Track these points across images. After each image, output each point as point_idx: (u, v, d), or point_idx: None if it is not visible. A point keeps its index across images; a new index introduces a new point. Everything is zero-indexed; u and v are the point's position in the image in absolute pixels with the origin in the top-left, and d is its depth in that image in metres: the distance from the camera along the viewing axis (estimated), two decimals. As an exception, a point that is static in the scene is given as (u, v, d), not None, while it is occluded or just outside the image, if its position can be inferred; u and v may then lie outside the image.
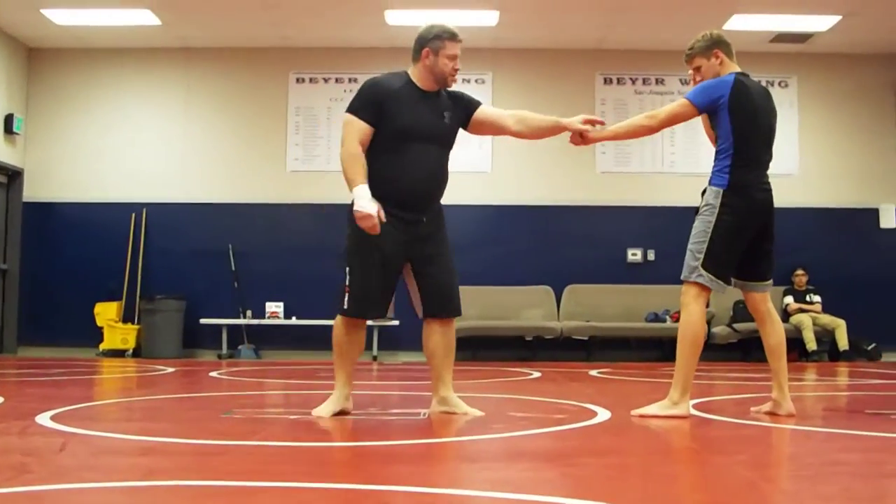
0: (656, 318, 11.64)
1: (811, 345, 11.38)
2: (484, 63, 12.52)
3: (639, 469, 3.56)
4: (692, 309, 4.90)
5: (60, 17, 11.33)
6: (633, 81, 12.51)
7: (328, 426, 4.56)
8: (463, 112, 5.19)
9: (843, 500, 2.87)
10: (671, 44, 12.22)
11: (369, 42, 12.26)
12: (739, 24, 11.25)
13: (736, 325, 11.72)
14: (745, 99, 4.96)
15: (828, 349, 11.66)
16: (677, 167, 12.42)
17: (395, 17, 11.29)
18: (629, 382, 7.81)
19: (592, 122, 5.14)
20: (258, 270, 12.17)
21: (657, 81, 12.53)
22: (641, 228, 12.42)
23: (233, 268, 12.16)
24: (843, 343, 11.47)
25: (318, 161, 12.43)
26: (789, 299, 11.88)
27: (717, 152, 5.00)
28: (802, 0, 10.77)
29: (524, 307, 12.09)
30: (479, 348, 11.77)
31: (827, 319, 11.64)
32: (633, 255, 12.36)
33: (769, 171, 5.00)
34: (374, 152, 4.82)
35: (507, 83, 12.61)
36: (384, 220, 4.67)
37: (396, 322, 11.76)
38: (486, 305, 12.01)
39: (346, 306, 4.88)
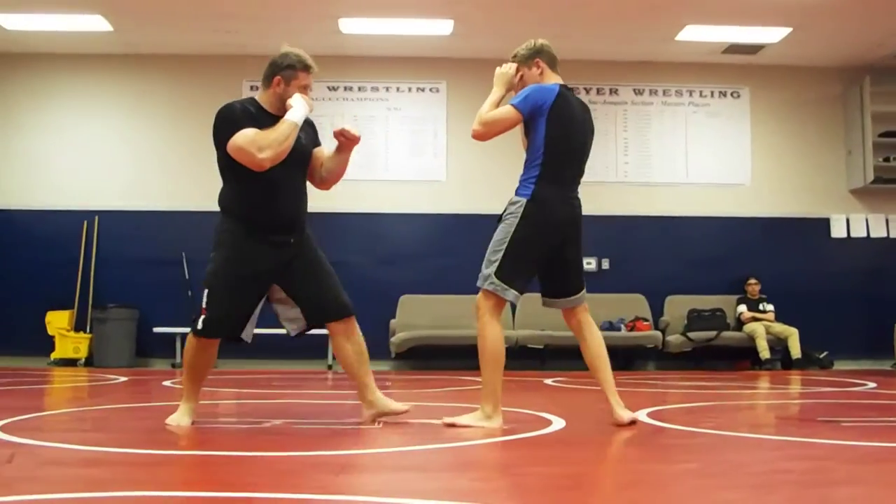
0: (611, 326, 11.68)
1: (764, 353, 11.48)
2: (438, 72, 12.55)
3: (590, 479, 3.57)
4: (489, 325, 4.86)
5: (11, 21, 11.19)
6: (587, 91, 12.55)
7: (278, 436, 4.53)
8: (313, 136, 5.30)
9: (791, 508, 2.89)
10: (624, 54, 12.35)
11: (323, 50, 12.17)
12: (692, 34, 11.36)
13: (690, 334, 11.78)
14: (565, 111, 4.94)
15: (780, 358, 11.78)
16: (630, 177, 12.48)
17: (349, 26, 11.28)
18: (584, 391, 7.83)
19: (343, 134, 5.22)
20: (212, 279, 12.07)
21: (611, 91, 12.59)
22: (595, 238, 12.37)
23: (186, 276, 12.07)
24: (795, 351, 11.58)
25: (272, 169, 12.35)
26: (742, 308, 11.97)
27: (525, 161, 5.00)
28: (753, 12, 10.86)
29: (478, 316, 12.06)
30: (432, 357, 11.77)
31: (779, 328, 11.74)
32: (588, 264, 12.39)
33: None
34: (239, 178, 4.84)
35: (461, 92, 12.62)
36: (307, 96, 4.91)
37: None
38: (439, 315, 12.01)
39: (200, 327, 4.89)
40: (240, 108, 4.85)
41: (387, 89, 12.59)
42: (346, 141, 5.16)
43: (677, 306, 12.14)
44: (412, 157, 12.53)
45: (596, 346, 5.02)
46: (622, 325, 11.76)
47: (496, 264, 4.79)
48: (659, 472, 3.63)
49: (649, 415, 5.42)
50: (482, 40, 11.88)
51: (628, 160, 12.51)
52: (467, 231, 12.25)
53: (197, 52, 12.36)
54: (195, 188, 12.32)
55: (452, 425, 4.76)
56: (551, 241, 4.89)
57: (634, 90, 12.63)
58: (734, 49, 11.94)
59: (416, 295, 12.21)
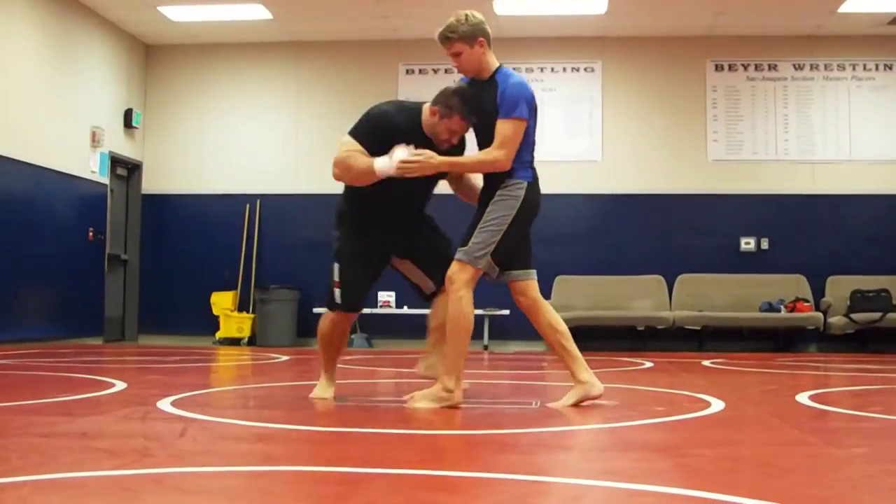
0: (770, 307, 11.45)
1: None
2: (592, 51, 12.46)
3: (754, 461, 3.52)
4: (466, 298, 4.82)
5: (176, 13, 11.62)
6: (745, 68, 12.31)
7: (436, 415, 4.59)
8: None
9: (968, 495, 2.80)
10: (782, 29, 12.04)
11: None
12: (855, 6, 11.02)
13: (853, 316, 11.45)
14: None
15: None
16: (791, 154, 12.18)
17: (504, 7, 11.30)
18: (743, 373, 7.69)
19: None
20: (370, 260, 12.27)
21: (769, 67, 12.30)
22: (754, 217, 12.22)
23: (345, 258, 12.28)
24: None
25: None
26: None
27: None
28: (922, -20, 10.49)
29: (635, 297, 12.00)
30: (590, 338, 11.70)
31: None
32: (747, 244, 12.16)
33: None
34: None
35: (616, 72, 12.51)
36: (411, 145, 4.74)
37: (507, 311, 11.77)
38: (596, 295, 11.97)
39: (338, 300, 5.10)
40: (392, 121, 4.86)
41: (541, 70, 12.56)
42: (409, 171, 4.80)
43: (840, 287, 11.81)
44: (567, 137, 12.48)
45: (553, 321, 5.19)
46: (782, 306, 11.50)
47: (493, 245, 4.77)
48: (826, 456, 3.55)
49: (812, 398, 5.30)
50: (637, 19, 11.76)
51: (788, 137, 12.21)
52: (624, 211, 12.17)
53: (354, 38, 12.57)
54: (317, 173, 12.55)
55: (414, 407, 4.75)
56: (532, 221, 4.96)
57: (794, 65, 12.30)
58: (901, 20, 11.54)
59: (571, 275, 12.18)
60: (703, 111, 12.22)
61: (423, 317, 12.30)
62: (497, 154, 4.69)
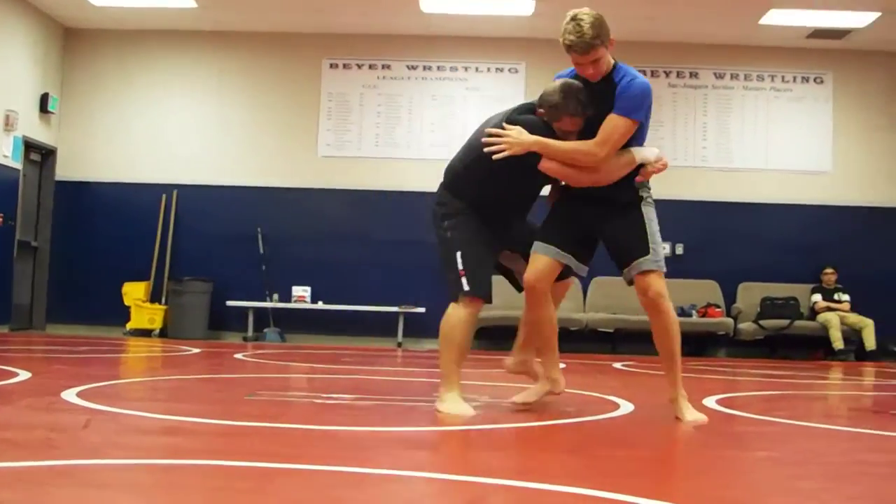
0: (683, 312, 11.59)
1: (838, 344, 11.31)
2: (518, 53, 12.51)
3: (660, 463, 3.56)
4: (671, 306, 4.65)
5: (99, -3, 11.42)
6: (667, 74, 12.45)
7: (349, 411, 4.57)
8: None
9: (871, 501, 2.86)
10: (707, 37, 12.21)
11: (404, 29, 12.27)
12: (777, 18, 11.18)
13: (763, 322, 11.65)
14: None
15: (854, 349, 11.57)
16: (709, 161, 12.34)
17: (431, 5, 11.28)
18: (653, 376, 7.77)
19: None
20: (286, 254, 12.21)
21: (691, 75, 12.46)
22: (670, 222, 12.24)
23: (261, 251, 12.20)
24: (869, 343, 11.39)
25: (349, 147, 12.45)
26: (817, 297, 11.80)
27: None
28: (840, -4, 10.69)
29: (551, 298, 12.05)
30: (503, 338, 11.74)
31: (854, 319, 11.56)
32: (662, 248, 12.28)
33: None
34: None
35: (540, 73, 12.54)
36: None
37: (423, 309, 11.80)
38: (511, 295, 11.95)
39: (467, 288, 4.69)
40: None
41: (466, 69, 12.58)
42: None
43: (750, 294, 12.00)
44: (488, 137, 12.47)
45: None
46: (694, 311, 11.66)
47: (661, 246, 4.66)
48: (732, 459, 3.61)
49: (719, 402, 5.38)
50: (563, 21, 11.81)
51: (707, 145, 12.38)
52: (541, 213, 12.21)
53: (278, 30, 12.45)
54: (273, 165, 12.48)
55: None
56: None
57: (716, 74, 12.47)
58: (819, 34, 11.73)
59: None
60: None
61: (338, 312, 12.30)
62: (596, 149, 4.40)
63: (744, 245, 12.18)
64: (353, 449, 3.44)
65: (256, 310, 12.03)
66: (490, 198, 4.75)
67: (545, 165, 4.49)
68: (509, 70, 12.54)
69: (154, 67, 12.67)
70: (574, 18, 4.39)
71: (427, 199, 12.59)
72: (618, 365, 9.03)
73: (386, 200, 12.32)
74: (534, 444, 3.73)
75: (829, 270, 11.91)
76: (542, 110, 4.53)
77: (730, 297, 12.12)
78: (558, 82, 4.56)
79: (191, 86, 12.69)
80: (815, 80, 12.46)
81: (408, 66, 12.52)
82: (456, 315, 4.73)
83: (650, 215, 4.64)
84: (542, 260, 4.63)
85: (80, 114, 12.64)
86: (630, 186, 4.55)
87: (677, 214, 12.26)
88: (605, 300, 11.79)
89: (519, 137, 4.45)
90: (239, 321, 12.05)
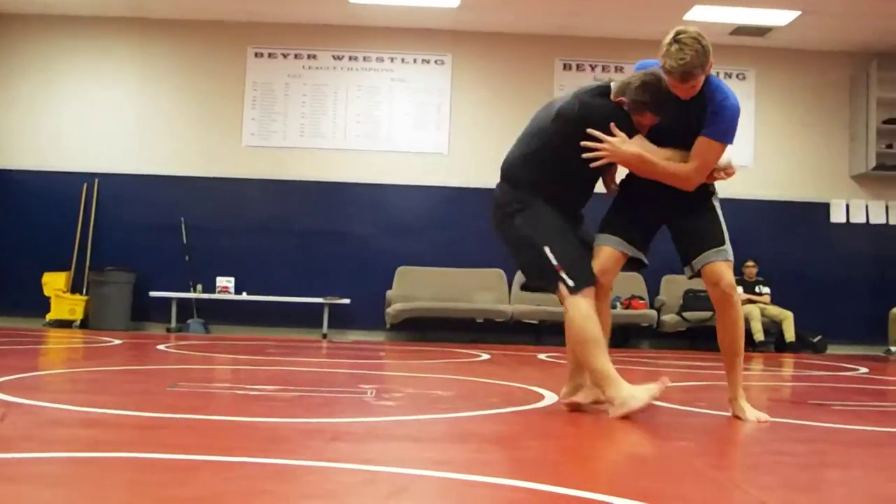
0: (607, 304, 11.68)
1: (758, 335, 11.51)
2: (444, 44, 12.52)
3: (582, 453, 3.58)
4: (739, 297, 4.62)
5: (17, -19, 11.18)
6: (593, 68, 12.53)
7: (272, 403, 4.54)
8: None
9: (784, 490, 2.90)
10: (632, 33, 12.29)
11: (331, 19, 12.21)
12: (700, 15, 11.31)
13: (685, 314, 11.81)
14: None
15: (774, 340, 11.80)
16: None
17: (357, -5, 11.24)
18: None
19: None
20: (210, 245, 12.10)
21: (616, 69, 12.54)
22: (594, 216, 12.43)
23: (184, 241, 12.08)
24: (789, 335, 11.62)
25: (274, 137, 12.37)
26: (738, 290, 11.94)
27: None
28: (763, -6, 10.85)
29: (476, 289, 12.11)
30: (429, 329, 11.78)
31: (775, 311, 11.77)
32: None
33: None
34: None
35: (466, 66, 12.60)
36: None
37: (347, 301, 11.78)
38: (438, 287, 12.03)
39: (573, 283, 4.32)
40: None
41: (392, 60, 12.55)
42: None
43: (674, 286, 12.14)
44: (415, 129, 12.51)
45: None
46: (618, 303, 11.76)
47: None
48: (652, 449, 3.65)
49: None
50: (489, 14, 11.85)
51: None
52: (467, 205, 12.24)
53: (203, 18, 12.31)
54: (197, 154, 12.35)
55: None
56: None
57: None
58: (742, 31, 11.90)
59: (414, 266, 12.22)
60: (548, 109, 12.39)
61: (262, 303, 12.20)
62: (693, 176, 4.34)
63: (667, 239, 12.28)
64: (275, 440, 3.42)
65: (180, 301, 11.91)
66: (554, 184, 4.48)
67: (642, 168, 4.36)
68: (435, 62, 12.54)
69: (76, 54, 12.47)
70: (678, 41, 4.22)
71: (352, 189, 12.67)
72: (542, 356, 9.08)
73: (311, 191, 12.27)
74: (457, 435, 3.73)
75: (749, 264, 12.10)
76: (623, 99, 4.37)
77: (653, 290, 12.27)
78: (646, 76, 4.40)
79: (114, 73, 12.50)
80: (737, 76, 12.63)
81: (334, 57, 12.47)
82: (578, 312, 4.29)
83: (719, 207, 4.62)
84: (606, 251, 4.55)
85: (1, 101, 12.39)
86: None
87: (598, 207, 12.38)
88: (528, 293, 11.83)
89: (620, 147, 4.28)
90: (162, 312, 11.92)
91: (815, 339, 11.90)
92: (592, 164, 4.31)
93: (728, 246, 4.53)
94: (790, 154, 12.71)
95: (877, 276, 12.70)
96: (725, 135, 4.35)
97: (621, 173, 4.68)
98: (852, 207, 12.84)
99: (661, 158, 4.33)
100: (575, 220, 4.61)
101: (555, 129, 4.46)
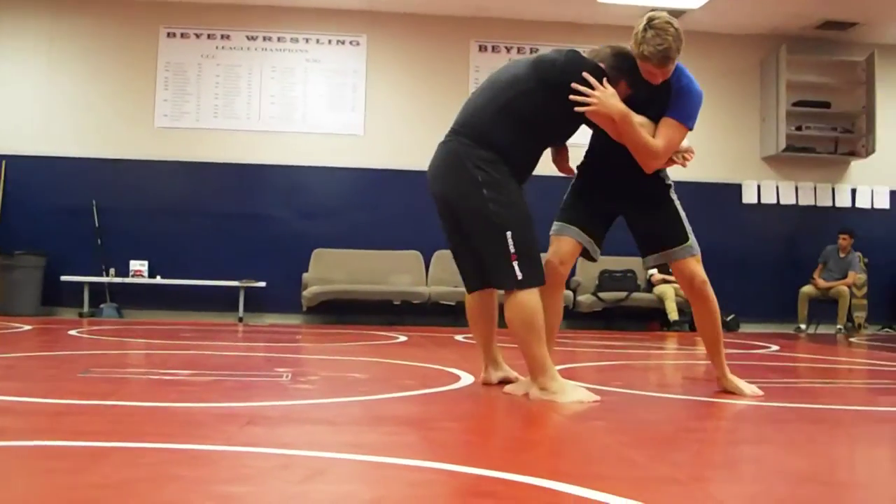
0: (523, 285, 11.74)
1: (673, 315, 11.67)
2: (359, 25, 12.46)
3: (498, 435, 3.60)
4: (711, 289, 4.68)
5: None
6: (508, 50, 12.56)
7: (186, 387, 4.49)
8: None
9: (696, 466, 2.94)
10: (547, 15, 12.35)
11: (243, -1, 12.09)
12: (614, -2, 11.41)
13: (601, 295, 11.92)
14: None
15: (689, 320, 11.95)
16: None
17: (271, -26, 11.12)
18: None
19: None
20: (123, 228, 11.92)
21: (531, 51, 12.59)
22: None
23: (96, 224, 11.88)
24: (703, 314, 11.77)
25: (187, 118, 12.21)
26: (653, 270, 12.11)
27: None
28: (675, -24, 10.96)
29: (393, 272, 12.10)
30: (346, 312, 11.75)
31: (688, 291, 11.92)
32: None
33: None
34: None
35: (381, 47, 12.55)
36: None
37: (263, 284, 11.70)
38: (354, 269, 12.00)
39: (521, 276, 4.21)
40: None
41: (306, 41, 12.46)
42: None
43: (589, 267, 12.24)
44: (330, 110, 12.44)
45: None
46: (535, 285, 11.82)
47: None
48: (567, 429, 3.67)
49: (560, 373, 5.45)
50: (638, 25, 11.81)
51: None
52: (383, 186, 12.21)
53: (114, -4, 12.10)
54: (108, 136, 12.14)
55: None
56: None
57: (556, 50, 12.62)
58: (655, 13, 12.00)
59: (330, 249, 12.17)
60: (466, 88, 12.42)
61: (177, 287, 12.05)
62: (661, 154, 4.35)
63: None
64: (188, 426, 3.37)
65: (92, 285, 11.72)
66: (523, 151, 4.35)
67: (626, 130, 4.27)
68: (350, 42, 12.48)
69: (-20, 33, 12.17)
70: (653, 27, 4.17)
71: (268, 171, 12.54)
72: (459, 337, 9.10)
73: (225, 173, 12.14)
74: (373, 418, 3.72)
75: (664, 244, 12.22)
76: (603, 65, 4.30)
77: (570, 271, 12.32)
78: (617, 47, 4.37)
79: (22, 53, 12.24)
80: (651, 57, 12.73)
81: (247, 37, 12.34)
82: (532, 297, 4.21)
83: (677, 200, 4.65)
84: (566, 242, 4.57)
85: None
86: (656, 173, 4.53)
87: (538, 192, 12.42)
88: (446, 274, 11.86)
89: (611, 99, 4.18)
90: (74, 297, 11.73)
91: (729, 318, 12.10)
92: (577, 108, 4.18)
93: (692, 240, 4.63)
94: (703, 136, 12.81)
95: (787, 255, 12.96)
96: (689, 118, 4.42)
97: (574, 159, 4.69)
98: (763, 188, 13.07)
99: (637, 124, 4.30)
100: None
101: (536, 76, 4.30)
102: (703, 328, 4.76)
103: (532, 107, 4.27)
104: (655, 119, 4.36)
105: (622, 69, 4.30)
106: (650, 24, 4.17)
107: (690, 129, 4.45)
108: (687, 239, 4.63)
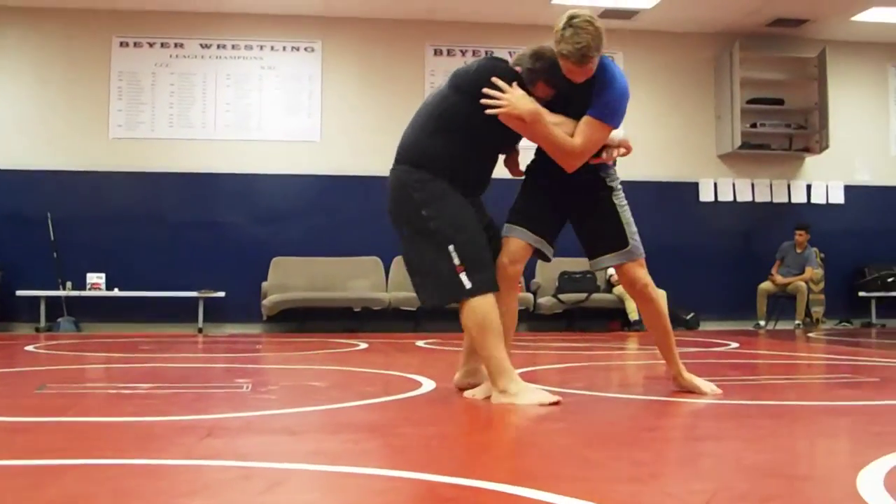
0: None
1: (633, 315, 11.70)
2: (313, 31, 12.43)
3: (459, 439, 3.59)
4: (655, 290, 4.74)
5: None
6: (463, 53, 12.56)
7: (145, 400, 4.45)
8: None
9: (657, 464, 2.95)
10: (501, 17, 12.37)
11: (198, 7, 12.03)
12: (567, -1, 11.43)
13: (561, 296, 11.95)
14: None
15: (649, 319, 11.99)
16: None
17: (223, -18, 11.07)
18: (455, 353, 7.83)
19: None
20: (79, 240, 11.81)
21: (486, 54, 12.58)
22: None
23: (52, 237, 11.76)
24: (663, 313, 11.83)
25: (141, 128, 12.12)
26: (612, 270, 12.13)
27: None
28: (628, -23, 11.01)
29: (352, 278, 12.07)
30: (306, 319, 11.70)
31: (648, 290, 11.97)
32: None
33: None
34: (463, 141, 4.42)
35: (337, 52, 12.52)
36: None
37: (222, 294, 11.63)
38: (313, 276, 11.96)
39: (470, 285, 4.26)
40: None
41: (261, 48, 12.41)
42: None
43: (548, 269, 12.25)
44: (286, 116, 12.40)
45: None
46: (495, 288, 11.82)
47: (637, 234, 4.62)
48: (528, 432, 3.67)
49: (521, 375, 5.45)
50: (358, 0, 11.79)
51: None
52: (341, 192, 12.18)
53: (66, 6, 11.98)
54: (62, 147, 12.02)
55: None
56: None
57: (510, 53, 12.64)
58: (609, 13, 12.03)
59: (289, 257, 12.12)
60: (421, 92, 12.40)
61: (135, 299, 11.93)
62: (578, 153, 4.30)
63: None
64: (147, 439, 3.34)
65: (48, 299, 11.60)
66: (459, 159, 4.39)
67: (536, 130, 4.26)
68: (305, 49, 12.44)
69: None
70: (572, 25, 4.13)
71: (224, 180, 12.47)
72: (420, 343, 9.09)
73: (182, 182, 12.06)
74: (333, 426, 3.70)
75: (622, 243, 12.27)
76: (518, 69, 4.33)
77: (529, 273, 12.36)
78: (538, 47, 4.37)
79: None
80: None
81: (201, 45, 12.27)
82: (481, 305, 4.26)
83: (622, 203, 4.62)
84: (516, 243, 4.54)
85: None
86: (592, 170, 4.49)
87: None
88: (406, 279, 11.80)
89: (520, 101, 4.19)
90: (30, 311, 11.60)
91: (688, 317, 12.17)
92: (487, 111, 4.20)
93: (633, 244, 4.60)
94: (659, 135, 12.94)
95: (745, 252, 13.06)
96: (611, 116, 4.31)
97: (524, 160, 4.70)
98: (720, 186, 13.16)
99: (551, 123, 4.29)
100: (476, 207, 4.53)
101: (455, 85, 4.40)
102: (653, 328, 4.79)
103: (459, 117, 4.36)
104: (578, 117, 4.34)
105: (538, 70, 4.32)
106: (570, 22, 4.15)
107: (614, 126, 4.35)
108: (626, 244, 4.61)
